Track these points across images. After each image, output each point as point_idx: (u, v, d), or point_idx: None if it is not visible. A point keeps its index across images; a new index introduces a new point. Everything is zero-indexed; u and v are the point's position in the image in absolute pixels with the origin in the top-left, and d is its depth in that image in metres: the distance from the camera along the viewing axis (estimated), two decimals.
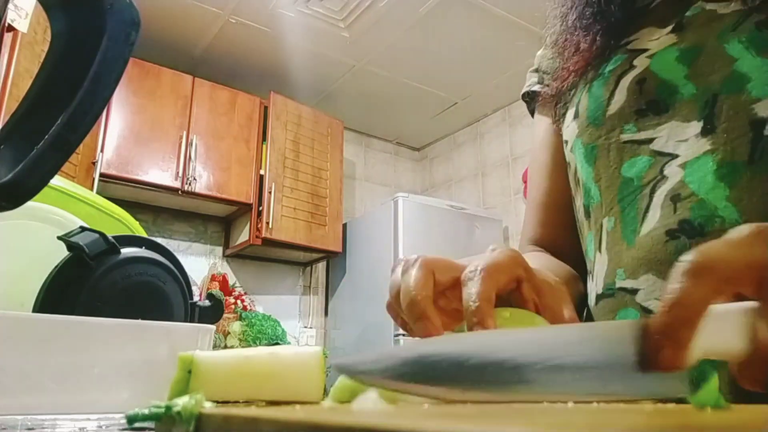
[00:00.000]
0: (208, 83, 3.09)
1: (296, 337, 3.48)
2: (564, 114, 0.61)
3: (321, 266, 3.71)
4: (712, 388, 0.19)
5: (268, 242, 3.06)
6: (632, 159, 0.50)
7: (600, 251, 0.53)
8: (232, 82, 3.25)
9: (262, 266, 3.48)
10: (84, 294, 0.55)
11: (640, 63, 0.52)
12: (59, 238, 0.56)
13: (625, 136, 0.51)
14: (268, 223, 3.02)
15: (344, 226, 3.45)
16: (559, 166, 0.64)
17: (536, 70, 0.71)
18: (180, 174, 2.87)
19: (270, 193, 3.07)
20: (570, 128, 0.58)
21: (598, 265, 0.53)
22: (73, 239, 0.55)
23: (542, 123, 0.69)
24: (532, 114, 0.73)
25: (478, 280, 0.34)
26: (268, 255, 3.40)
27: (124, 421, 0.23)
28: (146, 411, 0.23)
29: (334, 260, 3.56)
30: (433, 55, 3.19)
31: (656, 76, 0.50)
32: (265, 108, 3.25)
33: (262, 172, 3.13)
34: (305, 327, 3.57)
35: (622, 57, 0.53)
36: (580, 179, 0.57)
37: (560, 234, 0.64)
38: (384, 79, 3.44)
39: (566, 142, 0.60)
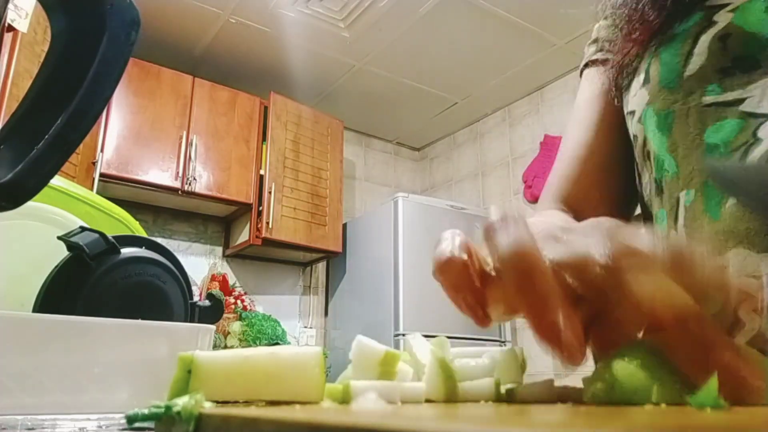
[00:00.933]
0: (208, 83, 3.09)
1: (296, 337, 3.48)
2: (628, 85, 0.55)
3: (321, 266, 3.71)
4: (712, 388, 0.19)
5: (268, 242, 3.06)
6: (718, 123, 0.45)
7: (676, 229, 0.48)
8: (232, 82, 3.25)
9: (262, 266, 3.48)
10: (84, 294, 0.55)
11: (722, 18, 0.46)
12: (59, 238, 0.56)
13: (708, 98, 0.45)
14: (268, 223, 3.02)
15: (344, 226, 3.45)
16: (607, 124, 0.57)
17: (595, 41, 0.64)
18: (180, 174, 2.87)
19: (270, 193, 3.07)
20: (638, 96, 0.52)
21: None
22: (73, 239, 0.55)
23: (591, 80, 0.62)
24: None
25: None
26: (268, 255, 3.41)
27: (124, 421, 0.23)
28: (146, 411, 0.23)
29: (334, 260, 3.56)
30: (433, 55, 3.19)
31: (743, 30, 0.44)
32: (265, 108, 3.25)
33: (262, 172, 3.13)
34: (305, 327, 3.57)
35: (699, 15, 0.47)
36: (650, 152, 0.51)
37: (589, 193, 0.58)
38: (384, 79, 3.44)
39: (632, 113, 0.54)
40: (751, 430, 0.14)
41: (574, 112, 0.64)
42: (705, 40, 0.46)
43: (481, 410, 0.23)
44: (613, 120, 0.58)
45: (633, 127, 0.54)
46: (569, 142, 0.62)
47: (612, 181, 0.58)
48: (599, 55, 0.62)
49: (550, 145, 3.34)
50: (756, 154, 0.42)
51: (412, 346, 0.30)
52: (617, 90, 0.57)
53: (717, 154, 0.44)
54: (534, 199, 3.37)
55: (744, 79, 0.44)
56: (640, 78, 0.53)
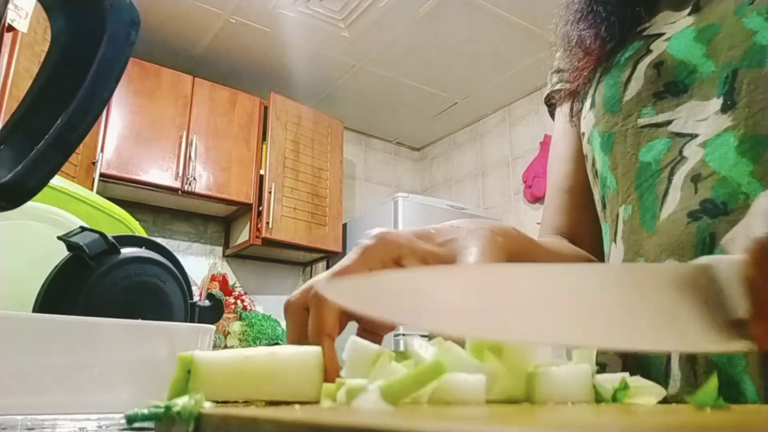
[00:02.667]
0: (208, 83, 3.09)
1: None
2: (580, 109, 0.60)
3: (321, 266, 3.71)
4: (712, 388, 0.19)
5: (268, 242, 3.06)
6: (650, 143, 0.49)
7: (615, 242, 0.51)
8: (232, 82, 3.25)
9: (262, 266, 3.48)
10: (84, 294, 0.55)
11: (657, 47, 0.51)
12: (59, 238, 0.56)
13: (643, 120, 0.50)
14: (268, 223, 3.02)
15: (344, 226, 3.45)
16: (580, 153, 0.62)
17: (557, 71, 0.70)
18: (180, 174, 2.87)
19: (270, 193, 3.07)
20: (587, 119, 0.57)
21: (613, 256, 0.52)
22: (73, 239, 0.55)
23: (562, 114, 0.67)
24: (553, 117, 0.72)
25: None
26: (268, 255, 3.40)
27: (124, 421, 0.23)
28: (146, 411, 0.23)
29: (334, 260, 3.56)
30: (433, 55, 3.19)
31: (674, 58, 0.49)
32: (265, 108, 3.25)
33: (262, 172, 3.13)
34: None
35: (638, 44, 0.52)
36: (597, 170, 0.56)
37: (581, 221, 0.61)
38: (384, 79, 3.44)
39: (583, 134, 0.58)
40: (751, 430, 0.14)
41: (552, 146, 0.69)
42: (642, 67, 0.51)
43: (481, 410, 0.23)
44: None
45: (585, 147, 0.59)
46: (552, 177, 0.66)
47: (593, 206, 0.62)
48: (559, 86, 0.67)
49: (550, 145, 3.34)
50: (681, 171, 0.45)
51: (413, 346, 0.30)
52: (574, 115, 0.62)
53: (649, 171, 0.48)
54: (534, 199, 3.37)
55: (674, 102, 0.48)
56: (587, 103, 0.57)
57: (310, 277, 3.65)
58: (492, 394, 0.27)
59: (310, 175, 3.31)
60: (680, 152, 0.46)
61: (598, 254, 0.58)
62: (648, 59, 0.51)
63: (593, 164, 0.57)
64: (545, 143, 3.37)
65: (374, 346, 0.29)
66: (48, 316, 0.50)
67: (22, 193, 0.33)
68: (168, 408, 0.22)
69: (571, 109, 0.63)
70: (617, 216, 0.52)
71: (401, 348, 0.31)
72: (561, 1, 0.63)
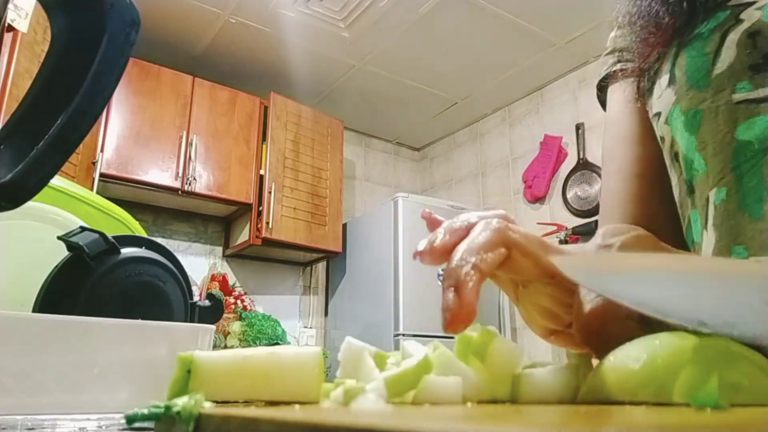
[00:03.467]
0: (208, 83, 3.09)
1: (296, 337, 3.48)
2: (650, 88, 0.54)
3: (321, 266, 3.71)
4: (712, 388, 0.19)
5: (268, 242, 3.06)
6: (750, 120, 0.44)
7: (707, 229, 0.47)
8: (232, 82, 3.25)
9: (262, 266, 3.48)
10: (84, 294, 0.55)
11: (749, 16, 0.45)
12: (59, 238, 0.56)
13: (739, 96, 0.45)
14: (268, 223, 3.02)
15: (344, 226, 3.45)
16: (649, 132, 0.56)
17: (612, 52, 0.63)
18: (180, 174, 2.87)
19: (270, 193, 3.07)
20: (663, 97, 0.51)
21: (706, 245, 0.47)
22: (73, 239, 0.55)
23: (618, 94, 0.61)
24: (603, 106, 0.65)
25: (465, 276, 0.29)
26: (268, 255, 3.40)
27: (123, 421, 0.23)
28: (146, 411, 0.23)
29: (334, 260, 3.56)
30: (433, 55, 3.19)
31: None
32: (265, 108, 3.25)
33: (262, 172, 3.13)
34: (305, 327, 3.57)
35: (724, 13, 0.47)
36: (679, 152, 0.50)
37: (660, 210, 0.55)
38: (384, 79, 3.44)
39: (658, 114, 0.53)
40: (751, 430, 0.14)
41: (609, 128, 0.62)
42: (733, 38, 0.46)
43: (481, 410, 0.23)
44: (651, 129, 0.57)
45: (659, 129, 0.54)
46: (618, 160, 0.59)
47: (664, 188, 0.56)
48: (619, 66, 0.61)
49: (550, 145, 3.34)
50: None
51: (408, 350, 0.30)
52: (640, 95, 0.57)
53: (750, 150, 0.44)
54: (534, 199, 3.37)
55: None
56: (663, 79, 0.52)
57: (310, 277, 3.66)
58: (477, 395, 0.27)
59: (310, 175, 3.31)
60: None
61: (678, 244, 0.53)
62: (740, 29, 0.46)
63: (672, 146, 0.52)
64: (545, 143, 3.37)
65: (369, 348, 0.29)
66: (48, 316, 0.50)
67: (22, 193, 0.33)
68: (168, 408, 0.22)
69: (638, 88, 0.57)
70: (707, 200, 0.47)
71: (400, 348, 0.31)
72: None
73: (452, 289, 0.29)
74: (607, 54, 0.64)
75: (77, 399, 0.46)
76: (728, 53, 0.46)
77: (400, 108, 3.79)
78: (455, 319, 0.27)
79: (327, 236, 3.28)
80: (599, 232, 0.40)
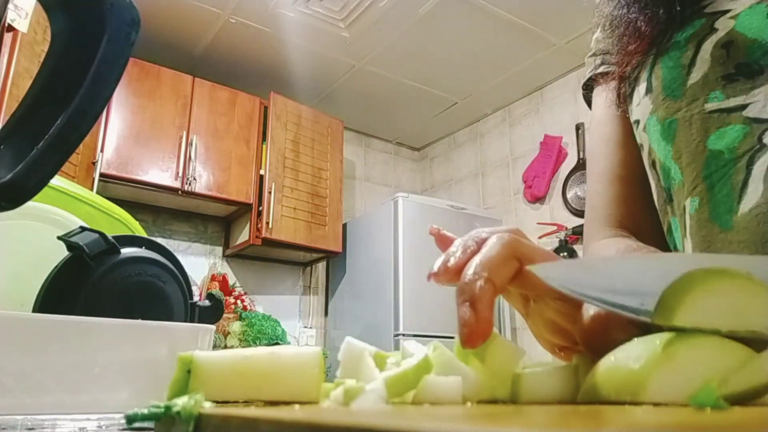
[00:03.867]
0: (208, 83, 3.09)
1: (296, 337, 3.48)
2: (630, 94, 0.55)
3: (321, 266, 3.71)
4: (712, 388, 0.19)
5: (268, 242, 3.06)
6: (720, 129, 0.44)
7: (686, 237, 0.47)
8: (232, 82, 3.25)
9: (262, 266, 3.48)
10: (84, 294, 0.55)
11: (723, 25, 0.46)
12: (59, 238, 0.56)
13: (711, 105, 0.45)
14: (268, 223, 3.02)
15: (344, 226, 3.45)
16: (631, 137, 0.56)
17: (595, 54, 0.64)
18: (180, 174, 2.87)
19: (270, 193, 3.07)
20: (642, 105, 0.52)
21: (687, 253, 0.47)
22: (73, 239, 0.55)
23: (603, 97, 0.62)
24: (588, 102, 0.66)
25: (478, 290, 0.29)
26: (268, 255, 3.40)
27: (123, 421, 0.23)
28: (145, 411, 0.23)
29: (334, 260, 3.56)
30: (433, 55, 3.19)
31: (745, 37, 0.44)
32: (265, 108, 3.25)
33: (262, 172, 3.13)
34: (305, 327, 3.57)
35: (700, 22, 0.47)
36: (656, 160, 0.51)
37: (644, 213, 0.56)
38: (384, 79, 3.44)
39: (637, 122, 0.54)
40: (751, 430, 0.14)
41: (594, 130, 0.63)
42: (707, 47, 0.46)
43: (481, 410, 0.23)
44: (633, 132, 0.57)
45: (638, 136, 0.54)
46: (603, 162, 0.60)
47: (647, 191, 0.57)
48: (603, 68, 0.62)
49: (550, 145, 3.34)
50: (763, 160, 0.41)
51: (408, 349, 0.30)
52: (621, 101, 0.57)
53: (720, 160, 0.44)
54: (534, 199, 3.37)
55: (747, 85, 0.44)
56: (641, 87, 0.52)
57: (310, 277, 3.66)
58: (477, 395, 0.27)
59: (310, 175, 3.31)
60: (759, 139, 0.42)
61: (664, 249, 0.54)
62: (713, 38, 0.46)
63: (650, 154, 0.52)
64: (545, 143, 3.37)
65: (369, 348, 0.29)
66: (48, 316, 0.50)
67: (22, 193, 0.33)
68: (168, 408, 0.22)
69: (618, 94, 0.57)
70: (684, 209, 0.48)
71: (400, 348, 0.31)
72: None
73: (467, 304, 0.29)
74: (591, 56, 0.64)
75: (77, 399, 0.46)
76: (702, 63, 0.46)
77: (400, 108, 3.79)
78: (473, 334, 0.28)
79: (327, 236, 3.28)
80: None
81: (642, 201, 0.56)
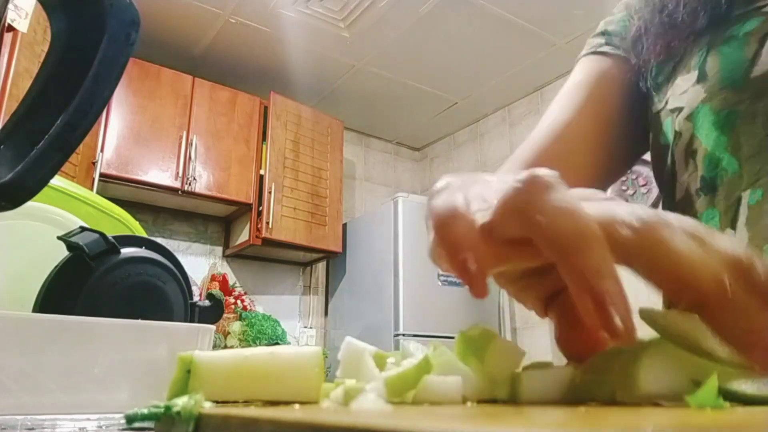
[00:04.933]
0: (208, 83, 3.09)
1: (296, 337, 3.48)
2: (663, 81, 0.55)
3: (321, 266, 3.71)
4: (712, 388, 0.19)
5: (268, 242, 3.06)
6: None
7: (734, 228, 0.48)
8: (232, 82, 3.25)
9: (262, 266, 3.48)
10: (84, 294, 0.55)
11: None
12: (59, 238, 0.56)
13: None
14: (268, 223, 3.02)
15: (344, 226, 3.45)
16: (594, 109, 0.58)
17: (602, 33, 0.64)
18: (180, 174, 2.87)
19: (270, 193, 3.07)
20: (689, 93, 0.52)
21: None
22: (73, 239, 0.55)
23: (589, 68, 0.61)
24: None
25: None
26: (268, 255, 3.40)
27: (123, 421, 0.23)
28: (145, 411, 0.23)
29: (334, 260, 3.56)
30: (433, 55, 3.19)
31: None
32: (265, 108, 3.25)
33: (262, 172, 3.13)
34: (305, 327, 3.57)
35: (759, 19, 0.48)
36: (698, 150, 0.51)
37: (557, 168, 0.56)
38: (384, 79, 3.44)
39: (678, 109, 0.53)
40: (751, 430, 0.14)
41: (560, 95, 0.63)
42: None
43: (481, 410, 0.23)
44: (602, 108, 0.58)
45: (677, 124, 0.54)
46: (548, 119, 0.61)
47: (580, 159, 0.58)
48: (608, 49, 0.61)
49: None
50: None
51: (408, 349, 0.30)
52: (648, 86, 0.57)
53: None
54: None
55: None
56: (690, 75, 0.52)
57: (310, 277, 3.65)
58: (477, 395, 0.27)
59: (310, 175, 3.31)
60: None
61: None
62: None
63: (690, 143, 0.52)
64: None
65: (369, 348, 0.29)
66: (48, 316, 0.50)
67: (22, 193, 0.33)
68: (168, 408, 0.22)
69: (644, 82, 0.57)
70: (738, 200, 0.48)
71: (400, 348, 0.31)
72: None
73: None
74: (595, 35, 0.64)
75: (77, 399, 0.46)
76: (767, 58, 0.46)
77: (400, 108, 3.79)
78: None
79: (327, 236, 3.28)
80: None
81: (562, 154, 0.57)
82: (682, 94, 0.53)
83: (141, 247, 0.62)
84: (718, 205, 0.50)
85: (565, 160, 0.57)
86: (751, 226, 0.47)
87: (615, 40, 0.61)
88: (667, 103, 0.55)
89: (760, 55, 0.47)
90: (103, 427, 0.40)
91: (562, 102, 0.61)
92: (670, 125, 0.55)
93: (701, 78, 0.51)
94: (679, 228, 0.23)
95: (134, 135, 2.80)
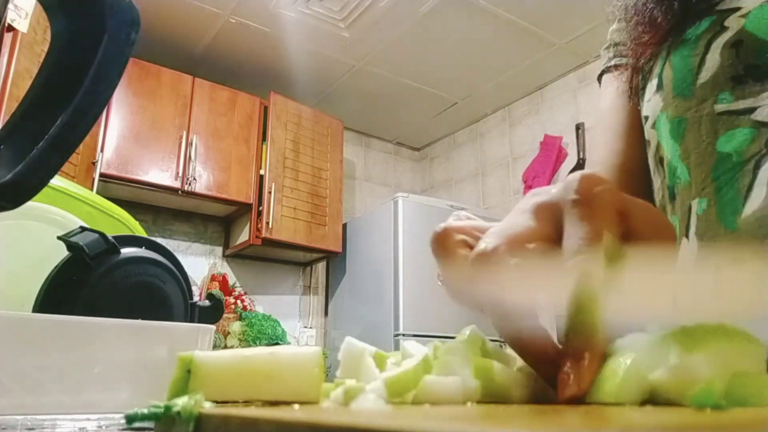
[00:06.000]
0: (208, 83, 3.09)
1: (296, 337, 3.48)
2: (643, 87, 0.55)
3: (321, 266, 3.71)
4: (712, 388, 0.19)
5: (268, 242, 3.06)
6: (729, 132, 0.44)
7: (687, 237, 0.48)
8: (232, 82, 3.25)
9: (262, 266, 3.48)
10: (84, 294, 0.55)
11: (733, 23, 0.45)
12: (59, 238, 0.56)
13: (720, 107, 0.45)
14: (268, 223, 3.02)
15: (344, 226, 3.45)
16: (635, 128, 0.57)
17: (609, 46, 0.64)
18: (180, 174, 2.87)
19: (270, 193, 3.07)
20: (652, 102, 0.52)
21: (685, 253, 0.48)
22: (73, 239, 0.55)
23: (611, 86, 0.62)
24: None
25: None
26: (268, 255, 3.40)
27: (123, 421, 0.23)
28: (145, 411, 0.23)
29: (334, 260, 3.56)
30: (433, 55, 3.19)
31: (754, 37, 0.43)
32: (265, 108, 3.25)
33: (262, 172, 3.13)
34: (305, 327, 3.57)
35: (711, 19, 0.47)
36: (663, 157, 0.51)
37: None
38: (384, 79, 3.44)
39: (646, 118, 0.54)
40: (751, 430, 0.14)
41: (600, 120, 0.63)
42: (717, 46, 0.46)
43: (481, 410, 0.23)
44: (639, 124, 0.57)
45: (647, 132, 0.54)
46: (602, 150, 0.60)
47: (649, 187, 0.57)
48: (615, 61, 0.62)
49: (550, 145, 3.34)
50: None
51: (408, 350, 0.30)
52: (634, 93, 0.57)
53: (728, 163, 0.44)
54: None
55: (756, 88, 0.43)
56: (653, 83, 0.52)
57: (310, 277, 3.65)
58: (477, 395, 0.27)
59: (310, 175, 3.31)
60: (767, 144, 0.42)
61: None
62: (723, 37, 0.45)
63: (657, 150, 0.52)
64: (545, 143, 3.37)
65: (369, 348, 0.29)
66: (48, 316, 0.50)
67: (22, 193, 0.33)
68: (168, 408, 0.22)
69: (631, 85, 0.57)
70: (689, 209, 0.48)
71: (401, 348, 0.31)
72: None
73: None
74: (606, 48, 0.64)
75: (77, 399, 0.46)
76: (712, 63, 0.46)
77: (400, 108, 3.79)
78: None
79: (327, 236, 3.28)
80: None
81: (634, 192, 0.56)
82: (648, 102, 0.53)
83: (141, 247, 0.62)
84: (677, 213, 0.50)
85: (636, 191, 0.55)
86: (699, 236, 0.47)
87: (622, 50, 0.61)
88: (642, 110, 0.55)
89: (704, 62, 0.47)
90: (103, 427, 0.40)
91: (606, 131, 0.61)
92: (645, 132, 0.55)
93: (659, 86, 0.51)
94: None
95: (134, 135, 2.80)
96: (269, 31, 2.98)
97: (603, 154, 0.60)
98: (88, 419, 0.42)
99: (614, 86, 0.61)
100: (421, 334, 2.81)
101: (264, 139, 3.19)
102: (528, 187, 3.41)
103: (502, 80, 3.44)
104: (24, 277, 0.59)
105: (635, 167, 0.57)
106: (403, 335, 2.85)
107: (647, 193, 0.56)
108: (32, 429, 0.38)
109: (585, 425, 0.16)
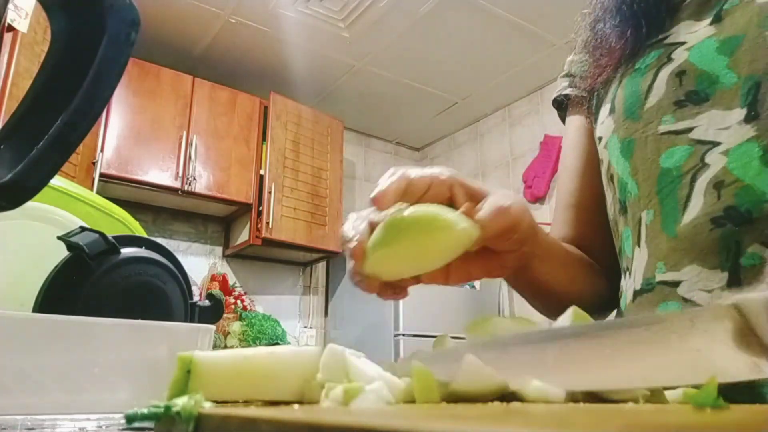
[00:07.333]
0: (208, 83, 3.09)
1: (296, 337, 3.48)
2: (597, 111, 0.61)
3: (321, 266, 3.71)
4: (712, 388, 0.19)
5: (268, 242, 3.06)
6: (670, 149, 0.50)
7: (639, 246, 0.53)
8: (232, 82, 3.25)
9: (262, 266, 3.48)
10: (84, 294, 0.55)
11: (679, 56, 0.52)
12: (59, 238, 0.56)
13: (663, 128, 0.51)
14: (268, 223, 3.02)
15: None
16: (590, 167, 0.64)
17: (567, 75, 0.72)
18: (180, 174, 2.87)
19: (270, 193, 3.07)
20: (605, 124, 0.58)
21: (637, 260, 0.53)
22: (73, 239, 0.55)
23: (572, 125, 0.69)
24: (564, 121, 0.73)
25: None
26: (268, 255, 3.40)
27: (123, 421, 0.23)
28: (145, 411, 0.23)
29: (334, 260, 3.56)
30: (433, 55, 3.19)
31: (695, 68, 0.50)
32: (265, 108, 3.25)
33: (262, 172, 3.13)
34: (305, 327, 3.57)
35: (659, 51, 0.54)
36: (614, 175, 0.57)
37: (588, 233, 0.63)
38: (384, 79, 3.44)
39: (600, 138, 0.59)
40: (751, 430, 0.14)
41: (562, 159, 0.71)
42: (663, 75, 0.52)
43: (481, 410, 0.23)
44: (594, 161, 0.63)
45: (600, 151, 0.60)
46: (561, 194, 0.68)
47: (605, 219, 0.63)
48: (571, 91, 0.68)
49: (550, 145, 3.34)
50: (704, 177, 0.46)
51: (355, 365, 0.29)
52: (590, 115, 0.63)
53: (669, 177, 0.49)
54: (534, 199, 3.37)
55: (694, 110, 0.49)
56: (606, 107, 0.58)
57: (310, 277, 3.65)
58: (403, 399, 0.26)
59: (310, 175, 3.31)
60: (702, 159, 0.47)
61: (604, 262, 0.60)
62: (670, 68, 0.52)
63: (609, 168, 0.58)
64: (545, 143, 3.37)
65: (349, 352, 0.28)
66: (48, 316, 0.50)
67: (22, 193, 0.33)
68: (168, 408, 0.22)
69: (588, 107, 0.64)
70: (640, 220, 0.53)
71: (401, 349, 0.31)
72: None
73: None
74: (563, 76, 0.72)
75: (77, 399, 0.46)
76: (658, 89, 0.52)
77: (400, 108, 3.79)
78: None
79: (327, 236, 3.28)
80: None
81: (585, 224, 0.64)
82: (602, 125, 0.59)
83: (141, 247, 0.62)
84: (629, 224, 0.55)
85: (592, 226, 0.64)
86: (648, 244, 0.51)
87: (577, 82, 0.68)
88: (596, 132, 0.61)
89: (652, 89, 0.53)
90: (103, 427, 0.40)
91: (565, 170, 0.68)
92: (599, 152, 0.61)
93: (612, 110, 0.57)
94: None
95: (134, 135, 2.80)
96: (269, 31, 2.98)
97: (561, 196, 0.68)
98: (88, 419, 0.42)
99: (574, 125, 0.68)
100: (421, 334, 2.81)
101: (264, 139, 3.19)
102: (528, 187, 3.41)
103: (502, 80, 3.44)
104: (24, 277, 0.59)
105: (589, 203, 0.64)
106: (403, 335, 2.85)
107: (603, 224, 0.61)
108: (32, 429, 0.38)
109: (585, 425, 0.16)
